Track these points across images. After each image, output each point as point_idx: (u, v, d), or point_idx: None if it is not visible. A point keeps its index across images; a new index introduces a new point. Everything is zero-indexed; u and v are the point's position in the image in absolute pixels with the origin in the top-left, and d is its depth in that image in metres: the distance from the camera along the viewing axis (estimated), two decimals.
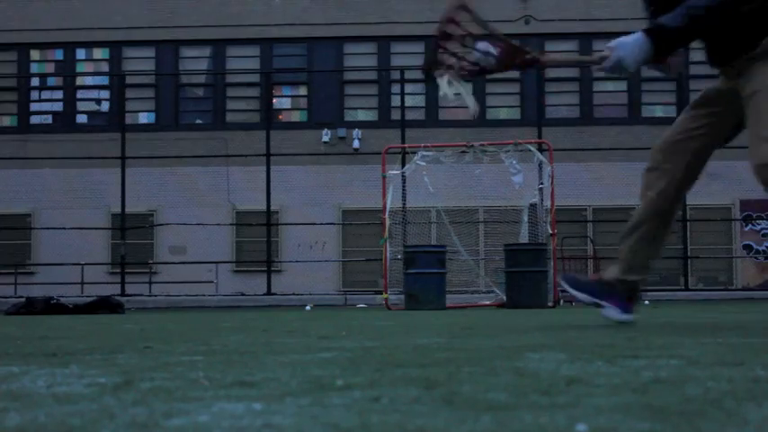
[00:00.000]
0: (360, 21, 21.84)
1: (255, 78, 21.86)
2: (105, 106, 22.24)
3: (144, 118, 22.16)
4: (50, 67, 22.53)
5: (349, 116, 21.96)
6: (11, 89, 22.42)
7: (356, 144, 21.34)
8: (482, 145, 14.25)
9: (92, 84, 22.57)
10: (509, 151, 14.12)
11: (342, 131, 21.53)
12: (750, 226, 20.90)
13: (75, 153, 20.67)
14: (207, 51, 22.14)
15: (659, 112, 21.76)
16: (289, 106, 22.34)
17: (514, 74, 21.84)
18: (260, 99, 21.69)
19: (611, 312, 5.03)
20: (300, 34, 21.91)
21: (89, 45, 22.20)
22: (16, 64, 22.39)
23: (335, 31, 21.85)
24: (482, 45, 4.45)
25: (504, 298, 12.72)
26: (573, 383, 1.91)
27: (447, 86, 4.57)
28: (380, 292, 14.12)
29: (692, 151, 5.05)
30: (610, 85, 22.00)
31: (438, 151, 14.52)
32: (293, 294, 19.12)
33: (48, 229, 20.70)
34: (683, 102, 20.19)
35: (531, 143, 14.50)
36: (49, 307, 13.03)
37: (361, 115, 22.06)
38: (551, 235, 13.16)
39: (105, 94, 22.35)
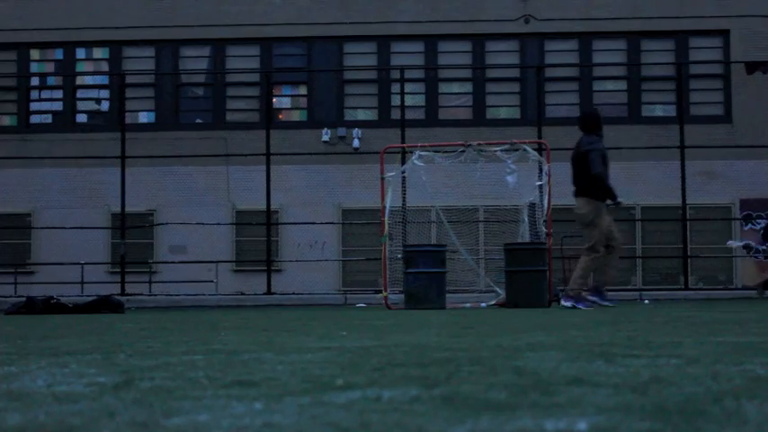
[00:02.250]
0: (360, 21, 21.83)
1: (255, 78, 21.85)
2: (105, 106, 22.24)
3: (144, 117, 22.15)
4: (50, 67, 22.51)
5: (349, 116, 21.95)
6: (11, 89, 22.41)
7: (356, 144, 21.33)
8: (479, 144, 14.25)
9: (92, 83, 22.56)
10: (506, 150, 14.11)
11: (342, 131, 21.52)
12: (750, 225, 20.90)
13: (75, 153, 20.66)
14: (207, 51, 22.13)
15: (659, 111, 21.76)
16: (289, 106, 22.33)
17: (514, 73, 21.85)
18: (260, 99, 21.68)
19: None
20: (300, 34, 21.89)
21: (89, 45, 22.19)
22: (16, 64, 22.38)
23: (335, 31, 21.84)
24: None
25: (505, 297, 12.70)
26: (573, 383, 1.91)
27: None
28: (380, 292, 14.11)
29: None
30: (609, 85, 22.00)
31: (435, 151, 14.51)
32: (293, 294, 19.12)
33: (48, 228, 20.70)
34: (683, 102, 20.20)
35: (526, 143, 14.49)
36: (49, 307, 13.03)
37: (361, 115, 22.05)
38: (547, 234, 13.15)
39: (105, 93, 22.34)
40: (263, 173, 19.15)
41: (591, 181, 11.03)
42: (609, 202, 11.19)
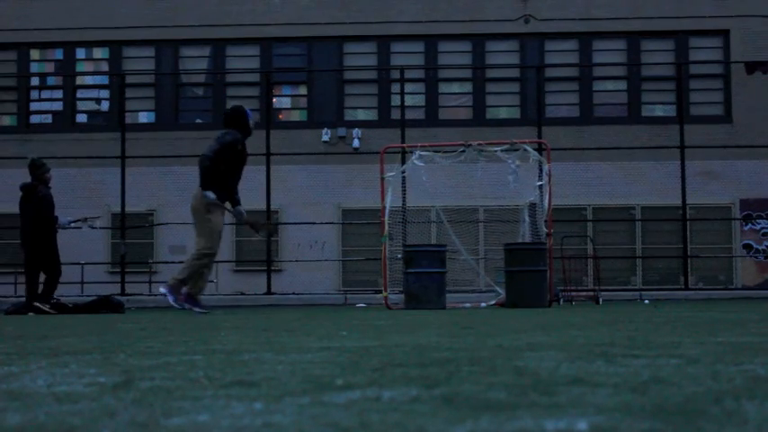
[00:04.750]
0: (360, 21, 21.84)
1: (255, 78, 21.86)
2: (105, 106, 22.24)
3: (144, 117, 22.15)
4: (50, 67, 22.51)
5: (349, 116, 21.95)
6: (11, 89, 22.41)
7: (356, 144, 21.33)
8: (479, 144, 14.24)
9: (92, 83, 22.56)
10: (507, 150, 14.11)
11: (342, 131, 21.52)
12: (750, 225, 20.90)
13: (75, 153, 20.66)
14: (207, 51, 22.13)
15: (659, 111, 21.76)
16: (289, 106, 22.33)
17: (514, 73, 21.86)
18: (260, 99, 21.68)
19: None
20: (300, 34, 21.90)
21: (89, 45, 22.19)
22: (16, 64, 22.38)
23: (335, 31, 21.84)
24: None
25: (505, 297, 12.70)
26: (573, 383, 1.91)
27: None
28: (380, 292, 14.11)
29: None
30: (609, 85, 22.00)
31: (435, 151, 14.51)
32: (293, 294, 19.12)
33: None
34: (683, 102, 20.20)
35: (527, 143, 14.49)
36: (50, 306, 13.02)
37: (361, 115, 22.05)
38: (547, 234, 13.15)
39: (105, 93, 22.34)
40: (263, 173, 19.15)
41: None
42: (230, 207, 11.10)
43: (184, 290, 10.59)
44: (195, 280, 10.62)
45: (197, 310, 10.47)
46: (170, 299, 10.47)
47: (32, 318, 10.37)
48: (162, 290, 10.62)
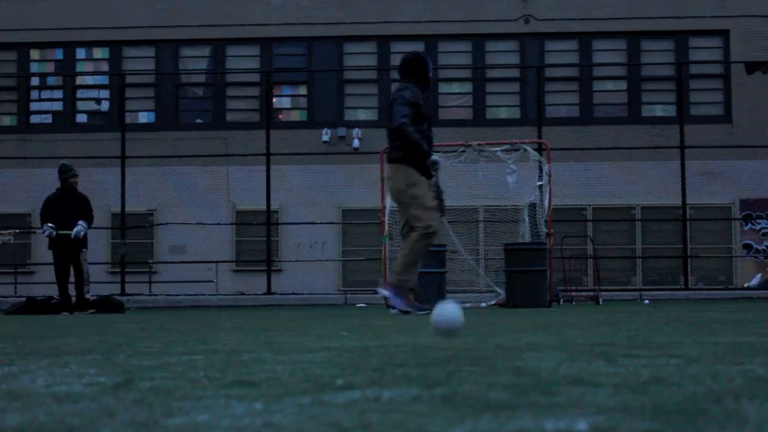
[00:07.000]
0: (360, 21, 21.83)
1: (255, 78, 21.85)
2: (105, 106, 22.24)
3: (144, 117, 22.15)
4: (50, 67, 22.51)
5: (349, 116, 21.95)
6: (11, 89, 22.41)
7: (356, 144, 21.33)
8: (479, 144, 14.24)
9: (92, 83, 22.56)
10: (507, 150, 14.11)
11: (342, 131, 21.51)
12: (750, 225, 20.90)
13: (75, 153, 20.64)
14: (207, 51, 22.13)
15: (659, 111, 21.76)
16: (288, 106, 22.32)
17: (514, 73, 21.85)
18: (260, 99, 21.68)
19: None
20: (300, 34, 21.89)
21: (89, 45, 22.19)
22: (16, 64, 22.38)
23: (335, 31, 21.84)
24: None
25: (505, 297, 12.70)
26: (573, 383, 1.91)
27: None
28: None
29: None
30: (609, 85, 22.00)
31: (435, 151, 14.49)
32: (293, 294, 19.12)
33: None
34: (683, 102, 20.20)
35: (527, 143, 14.48)
36: (49, 307, 13.04)
37: (361, 115, 22.05)
38: (548, 234, 13.15)
39: (105, 93, 22.34)
40: (263, 173, 19.14)
41: (402, 142, 8.54)
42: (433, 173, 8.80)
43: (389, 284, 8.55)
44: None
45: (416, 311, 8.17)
46: (396, 302, 8.27)
47: (32, 318, 10.38)
48: (384, 292, 8.43)
